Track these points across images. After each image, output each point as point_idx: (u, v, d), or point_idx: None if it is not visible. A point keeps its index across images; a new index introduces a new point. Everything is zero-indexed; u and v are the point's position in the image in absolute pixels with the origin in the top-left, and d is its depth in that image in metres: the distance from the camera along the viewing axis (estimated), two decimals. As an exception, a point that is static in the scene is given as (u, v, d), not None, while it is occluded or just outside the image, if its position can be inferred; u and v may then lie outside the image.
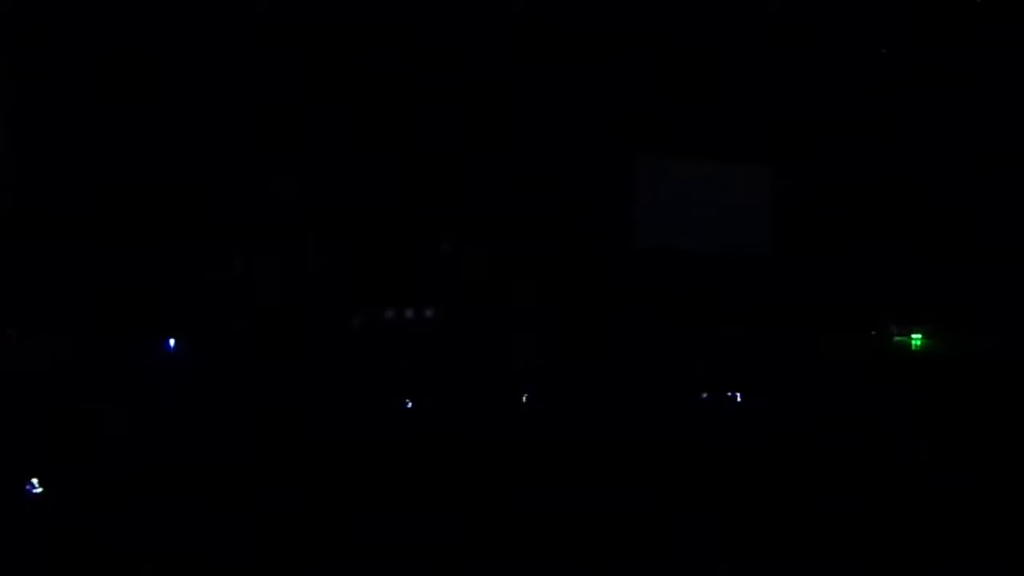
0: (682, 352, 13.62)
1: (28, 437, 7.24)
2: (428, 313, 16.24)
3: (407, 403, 7.88)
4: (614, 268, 17.28)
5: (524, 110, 16.34)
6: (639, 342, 14.49)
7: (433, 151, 15.73)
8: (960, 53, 16.31)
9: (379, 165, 15.48)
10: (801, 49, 16.60)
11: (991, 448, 7.16)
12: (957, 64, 16.93)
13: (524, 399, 8.67)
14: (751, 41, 16.64)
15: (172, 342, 12.25)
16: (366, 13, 15.46)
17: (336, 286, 15.40)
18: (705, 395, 9.33)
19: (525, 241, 16.63)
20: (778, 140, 17.22)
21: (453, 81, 15.68)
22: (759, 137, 17.12)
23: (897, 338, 16.01)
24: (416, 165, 15.65)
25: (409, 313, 16.16)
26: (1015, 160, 16.29)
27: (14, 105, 12.16)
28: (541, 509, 5.52)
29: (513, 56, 16.20)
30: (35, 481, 5.93)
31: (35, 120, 12.06)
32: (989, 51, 16.27)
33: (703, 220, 17.51)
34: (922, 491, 6.05)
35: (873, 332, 16.43)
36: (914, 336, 15.28)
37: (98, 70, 12.56)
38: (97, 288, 12.99)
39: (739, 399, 9.00)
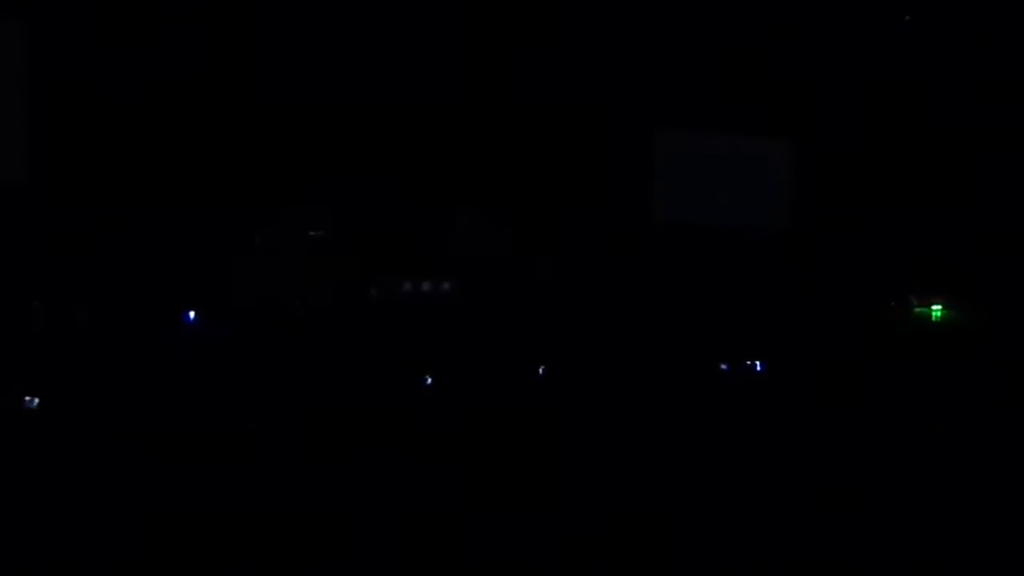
0: (703, 323, 13.61)
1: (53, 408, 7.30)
2: (446, 286, 16.29)
3: (426, 379, 7.77)
4: (635, 241, 17.21)
5: (543, 87, 16.26)
6: (660, 314, 14.46)
7: (454, 123, 15.69)
8: (982, 25, 16.04)
9: (399, 137, 15.46)
10: (823, 23, 16.44)
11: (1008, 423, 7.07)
12: (980, 36, 16.67)
13: (541, 371, 8.57)
14: (773, 15, 16.48)
15: (192, 315, 12.54)
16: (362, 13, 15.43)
17: (351, 259, 15.48)
18: (725, 365, 9.20)
19: (545, 215, 16.62)
20: (798, 113, 17.06)
21: (475, 55, 15.63)
22: (779, 110, 16.97)
23: (917, 309, 15.93)
24: (435, 135, 15.64)
25: (427, 286, 16.22)
26: None
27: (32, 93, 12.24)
28: (560, 480, 5.46)
29: (535, 29, 16.10)
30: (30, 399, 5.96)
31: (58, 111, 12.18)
32: (1011, 23, 16.02)
33: (723, 193, 17.39)
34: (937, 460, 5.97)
35: (893, 303, 16.35)
36: (934, 308, 15.18)
37: (108, 65, 12.67)
38: (121, 263, 13.23)
39: (759, 368, 8.92)
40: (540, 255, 16.70)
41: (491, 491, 5.30)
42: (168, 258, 13.60)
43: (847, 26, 16.38)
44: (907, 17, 15.23)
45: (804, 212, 17.70)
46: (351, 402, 7.42)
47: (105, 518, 5.05)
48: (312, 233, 14.52)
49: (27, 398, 7.31)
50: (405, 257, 16.13)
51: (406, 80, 15.55)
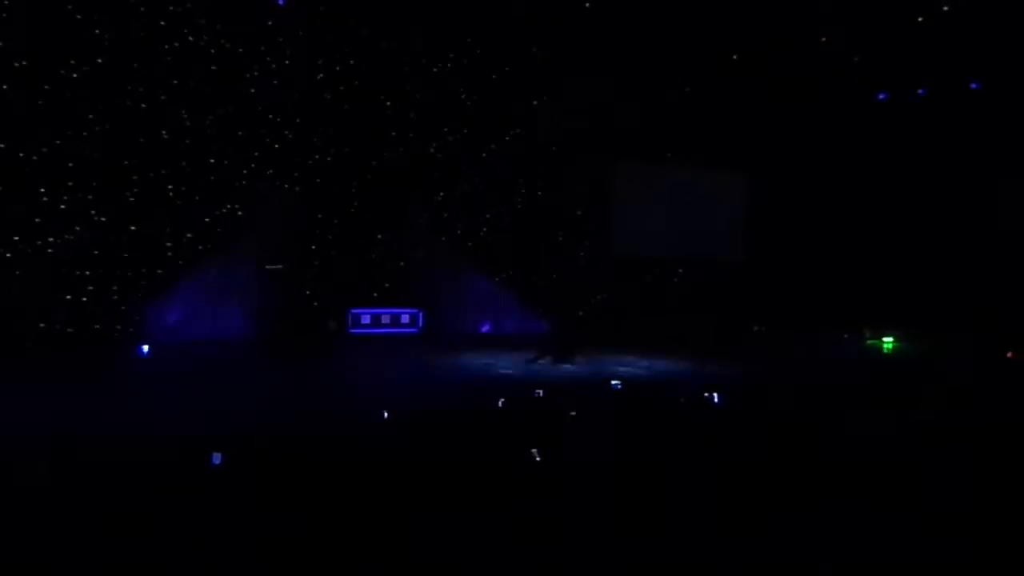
0: (660, 356, 13.58)
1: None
2: (404, 319, 16.15)
3: (384, 414, 7.61)
4: (592, 274, 17.27)
5: (501, 119, 16.36)
6: (619, 347, 14.40)
7: (412, 157, 15.71)
8: (935, 61, 16.45)
9: (359, 169, 15.36)
10: (779, 60, 16.74)
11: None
12: (932, 73, 17.08)
13: (500, 404, 8.42)
14: (727, 51, 16.79)
15: (146, 348, 12.05)
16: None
17: (316, 291, 15.25)
18: (683, 399, 9.13)
19: (504, 250, 16.62)
20: (753, 147, 17.34)
21: (434, 90, 15.73)
22: (734, 144, 17.23)
23: (869, 341, 16.24)
24: (393, 173, 15.63)
25: (386, 319, 16.07)
26: (988, 170, 16.52)
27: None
28: (521, 509, 5.39)
29: (496, 65, 16.24)
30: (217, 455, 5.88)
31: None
32: (961, 58, 16.46)
33: (679, 226, 17.60)
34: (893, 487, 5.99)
35: (845, 335, 16.56)
36: (885, 340, 15.45)
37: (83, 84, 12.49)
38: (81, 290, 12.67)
39: (716, 400, 8.90)
40: (498, 283, 16.71)
41: (448, 522, 5.17)
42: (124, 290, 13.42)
43: (806, 61, 16.72)
44: (856, 59, 15.64)
45: (758, 244, 17.96)
46: (307, 435, 7.24)
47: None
48: (269, 267, 14.69)
49: None
50: (365, 288, 16.02)
51: (371, 111, 15.57)
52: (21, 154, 11.85)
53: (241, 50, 13.12)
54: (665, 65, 15.56)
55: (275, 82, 13.18)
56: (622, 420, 8.08)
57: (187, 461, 6.01)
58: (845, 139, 17.00)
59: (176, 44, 12.69)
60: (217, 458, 5.84)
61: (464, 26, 14.70)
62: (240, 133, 13.36)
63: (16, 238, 11.89)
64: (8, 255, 11.89)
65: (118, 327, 12.67)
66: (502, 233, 16.02)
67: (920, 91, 15.56)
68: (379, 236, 15.12)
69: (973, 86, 14.85)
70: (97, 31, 12.13)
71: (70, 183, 12.19)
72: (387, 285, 15.55)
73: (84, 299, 12.47)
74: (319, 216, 14.55)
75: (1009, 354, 13.25)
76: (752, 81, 16.13)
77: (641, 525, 5.24)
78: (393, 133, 14.75)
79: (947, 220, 16.38)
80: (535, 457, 6.20)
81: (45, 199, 12.06)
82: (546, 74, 15.53)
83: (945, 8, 13.97)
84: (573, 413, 7.94)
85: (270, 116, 13.57)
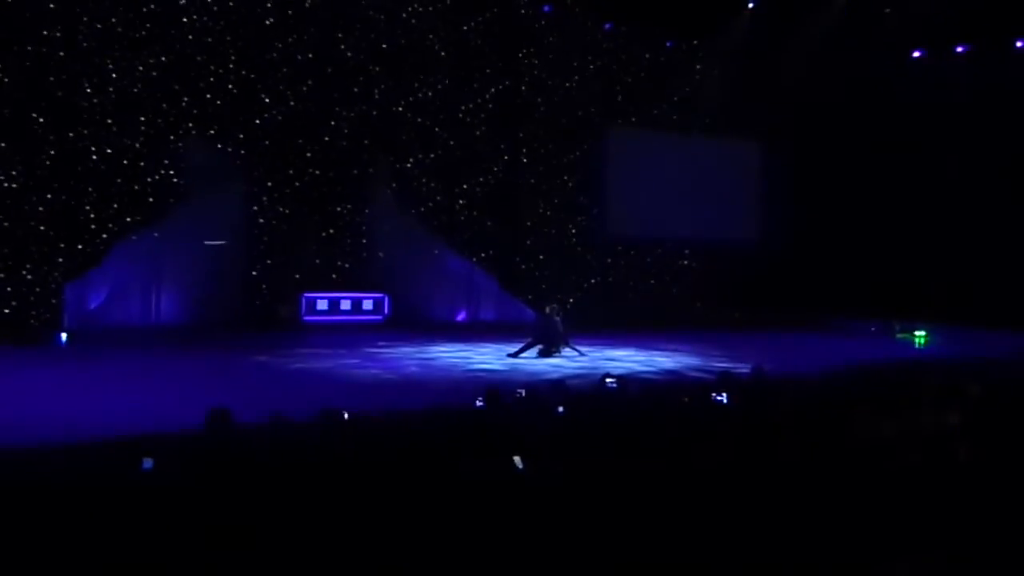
0: (660, 350, 12.28)
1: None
2: (367, 305, 15.15)
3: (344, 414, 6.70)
4: (589, 255, 16.21)
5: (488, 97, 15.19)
6: (614, 339, 13.20)
7: (376, 117, 14.42)
8: (976, 15, 15.26)
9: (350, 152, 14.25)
10: (793, 22, 15.64)
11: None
12: (973, 29, 15.89)
13: (478, 403, 7.42)
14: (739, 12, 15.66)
15: (64, 336, 11.24)
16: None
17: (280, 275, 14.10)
18: (687, 399, 8.07)
19: (483, 227, 15.49)
20: (770, 112, 16.11)
21: (403, 38, 14.44)
22: (749, 109, 16.04)
23: (899, 335, 14.94)
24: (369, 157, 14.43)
25: (345, 305, 15.04)
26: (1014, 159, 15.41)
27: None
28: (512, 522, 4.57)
29: (475, 9, 15.01)
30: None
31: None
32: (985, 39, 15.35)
33: (684, 202, 16.32)
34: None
35: (873, 328, 15.47)
36: (917, 333, 14.27)
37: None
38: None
39: (724, 401, 7.80)
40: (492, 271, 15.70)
41: (422, 525, 4.41)
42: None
43: (821, 26, 15.65)
44: (887, 9, 14.46)
45: (775, 223, 16.82)
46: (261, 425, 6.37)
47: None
48: (209, 242, 13.26)
49: None
50: (321, 269, 14.99)
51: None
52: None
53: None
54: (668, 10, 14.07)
55: None
56: (619, 423, 7.06)
57: (113, 465, 5.51)
58: (875, 103, 15.44)
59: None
60: (148, 463, 5.31)
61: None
62: (176, 87, 12.00)
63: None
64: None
65: (33, 312, 11.41)
66: (480, 207, 14.57)
67: (959, 48, 14.15)
68: (338, 209, 13.94)
69: (1020, 44, 13.46)
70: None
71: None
72: (347, 266, 14.39)
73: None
74: (268, 184, 13.26)
75: None
76: (769, 34, 14.71)
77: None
78: (355, 89, 13.41)
79: (991, 196, 14.76)
80: (517, 465, 5.46)
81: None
82: (532, 19, 14.37)
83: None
84: (561, 409, 7.02)
85: (211, 67, 12.15)
